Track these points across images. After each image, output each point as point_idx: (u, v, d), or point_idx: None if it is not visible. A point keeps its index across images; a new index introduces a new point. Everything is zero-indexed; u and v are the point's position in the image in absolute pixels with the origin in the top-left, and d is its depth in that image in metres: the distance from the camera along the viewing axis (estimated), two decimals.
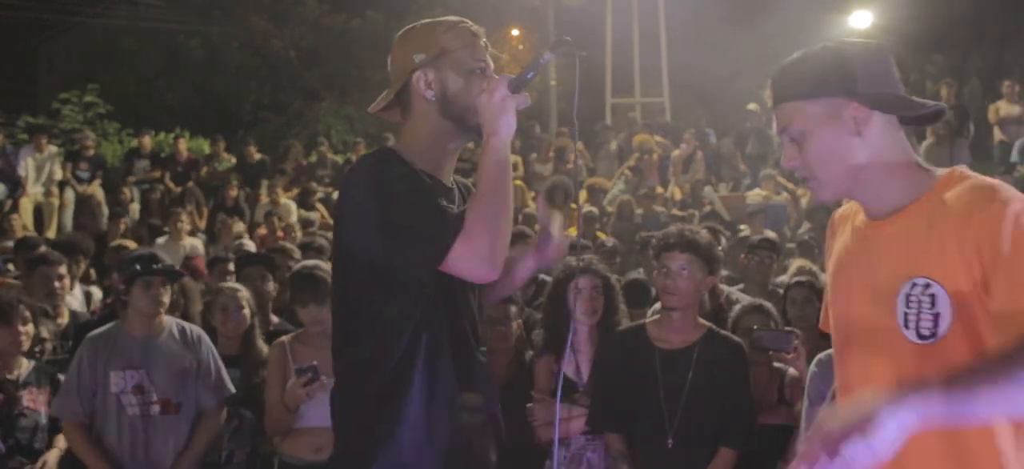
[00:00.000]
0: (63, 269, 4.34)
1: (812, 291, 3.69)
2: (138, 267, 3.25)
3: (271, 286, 4.41)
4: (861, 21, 16.87)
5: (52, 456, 3.36)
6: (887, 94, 1.61)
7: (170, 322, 3.39)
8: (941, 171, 1.63)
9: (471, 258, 1.77)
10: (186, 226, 8.21)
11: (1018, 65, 16.09)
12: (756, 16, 18.65)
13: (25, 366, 3.43)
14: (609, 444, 3.01)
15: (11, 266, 5.89)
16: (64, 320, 4.31)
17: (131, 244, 6.40)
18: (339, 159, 13.24)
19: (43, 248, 5.26)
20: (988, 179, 1.55)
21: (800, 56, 1.66)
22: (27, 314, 3.43)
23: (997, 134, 11.16)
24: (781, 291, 4.19)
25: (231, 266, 4.81)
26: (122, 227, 8.32)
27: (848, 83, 1.59)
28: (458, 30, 1.98)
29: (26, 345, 3.44)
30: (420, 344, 1.88)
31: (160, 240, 7.97)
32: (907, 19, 16.71)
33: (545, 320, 3.42)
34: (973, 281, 1.48)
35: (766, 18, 18.67)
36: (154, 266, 3.26)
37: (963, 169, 1.61)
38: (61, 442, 3.43)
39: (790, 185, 10.58)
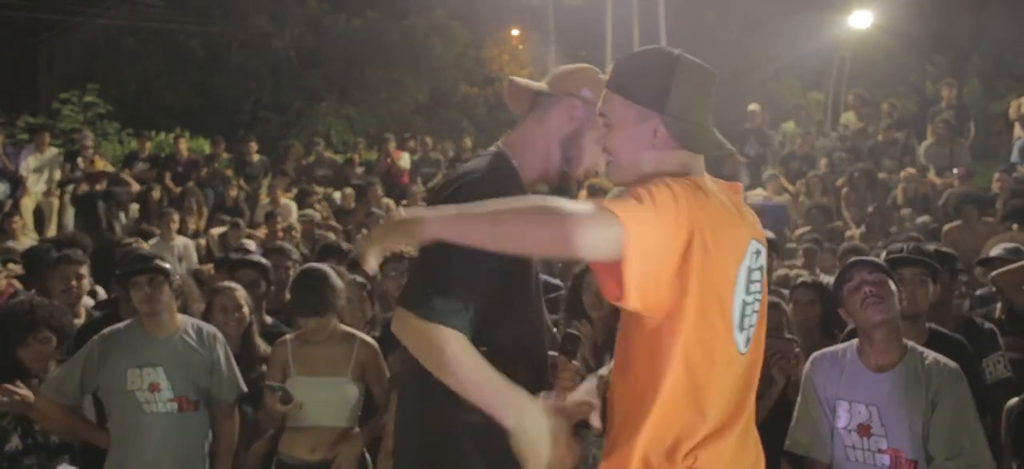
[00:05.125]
0: (83, 269, 4.35)
1: (816, 293, 3.72)
2: (119, 271, 3.27)
3: (264, 288, 4.42)
4: (861, 21, 16.88)
5: None
6: (690, 125, 1.76)
7: (185, 321, 3.40)
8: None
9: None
10: (177, 226, 8.18)
11: (1018, 65, 16.10)
12: (756, 16, 18.66)
13: (52, 368, 3.46)
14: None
15: (10, 265, 5.88)
16: (82, 320, 4.29)
17: (145, 245, 6.39)
18: (339, 159, 13.24)
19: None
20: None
21: (636, 55, 1.86)
22: (45, 333, 3.42)
23: (1017, 130, 11.02)
24: (782, 290, 4.21)
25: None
26: (117, 227, 8.33)
27: (659, 101, 1.75)
28: (597, 79, 2.08)
29: (51, 358, 3.44)
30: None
31: (152, 240, 7.96)
32: (907, 19, 16.73)
33: (565, 320, 3.45)
34: None
35: (766, 18, 18.68)
36: (137, 266, 3.26)
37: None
38: None
39: (792, 186, 10.58)
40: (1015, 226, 6.91)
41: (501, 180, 1.95)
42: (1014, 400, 2.94)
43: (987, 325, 3.56)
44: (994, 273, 3.64)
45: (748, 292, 1.76)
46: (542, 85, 2.13)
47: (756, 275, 1.77)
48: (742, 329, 1.75)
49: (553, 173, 2.09)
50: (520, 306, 1.97)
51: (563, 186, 2.10)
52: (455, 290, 1.78)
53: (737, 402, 1.78)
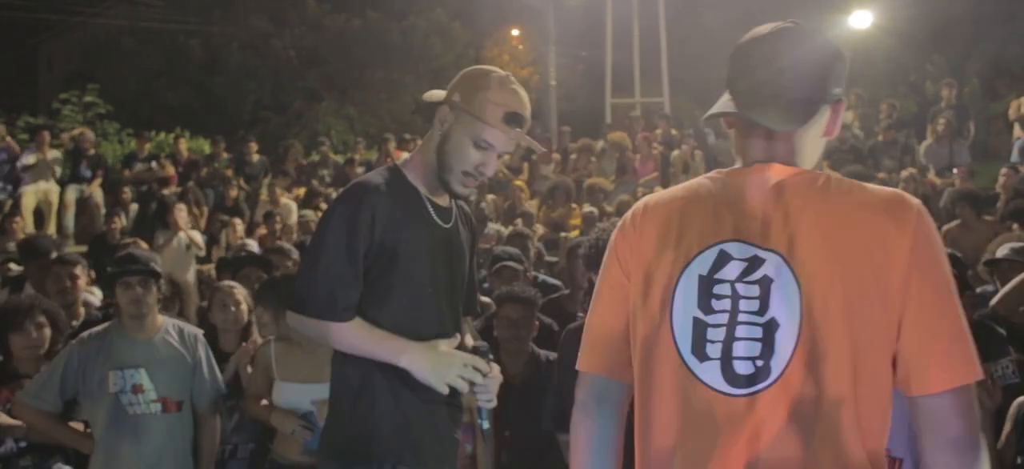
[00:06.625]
0: (79, 269, 4.34)
1: None
2: (110, 269, 3.26)
3: None
4: (861, 21, 16.87)
5: None
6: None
7: (167, 322, 3.39)
8: None
9: (330, 341, 2.12)
10: (185, 218, 8.18)
11: (1018, 65, 16.08)
12: (756, 16, 18.63)
13: (44, 367, 3.42)
14: (564, 446, 2.96)
15: (12, 265, 5.88)
16: (80, 321, 4.29)
17: (144, 245, 6.40)
18: (340, 159, 13.25)
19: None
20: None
21: None
22: (41, 319, 3.43)
23: (1016, 131, 11.03)
24: None
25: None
26: (118, 226, 8.33)
27: None
28: (493, 104, 2.12)
29: (43, 349, 3.45)
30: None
31: (159, 234, 7.99)
32: (907, 19, 16.70)
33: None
34: None
35: (766, 18, 18.65)
36: (129, 266, 3.25)
37: None
38: None
39: None
40: (1015, 226, 6.90)
41: (363, 196, 2.11)
42: (1022, 397, 2.95)
43: (999, 330, 3.55)
44: (993, 301, 3.63)
45: (708, 308, 1.41)
46: (438, 94, 2.25)
47: (722, 288, 1.41)
48: (704, 359, 1.40)
49: (439, 184, 2.21)
50: (402, 295, 2.14)
51: (456, 195, 2.25)
52: (342, 296, 2.08)
53: None
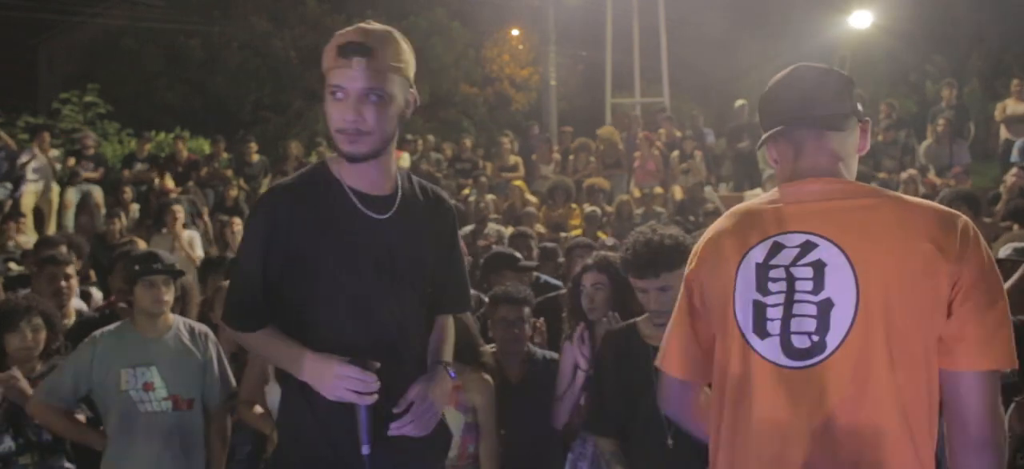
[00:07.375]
0: (71, 269, 4.34)
1: None
2: (137, 267, 3.27)
3: None
4: (861, 21, 16.88)
5: None
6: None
7: (178, 320, 3.42)
8: None
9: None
10: (182, 219, 8.18)
11: (1018, 65, 16.09)
12: (756, 16, 18.65)
13: (39, 366, 3.46)
14: (599, 448, 2.96)
15: (12, 265, 5.89)
16: (71, 320, 4.29)
17: (141, 243, 6.40)
18: None
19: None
20: None
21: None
22: (37, 320, 3.44)
23: (1003, 132, 11.07)
24: None
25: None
26: (118, 227, 8.34)
27: None
28: (329, 50, 1.97)
29: (38, 350, 3.45)
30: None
31: (157, 236, 7.99)
32: (907, 19, 16.71)
33: (568, 321, 3.48)
34: None
35: (766, 18, 18.68)
36: (154, 266, 3.28)
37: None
38: None
39: None
40: (1015, 226, 6.90)
41: (280, 197, 2.03)
42: (1021, 397, 2.95)
43: None
44: None
45: (765, 291, 1.60)
46: None
47: (777, 273, 1.60)
48: (764, 335, 1.59)
49: (365, 167, 2.03)
50: (329, 299, 2.03)
51: (352, 159, 1.99)
52: (242, 304, 2.06)
53: (788, 438, 1.55)
